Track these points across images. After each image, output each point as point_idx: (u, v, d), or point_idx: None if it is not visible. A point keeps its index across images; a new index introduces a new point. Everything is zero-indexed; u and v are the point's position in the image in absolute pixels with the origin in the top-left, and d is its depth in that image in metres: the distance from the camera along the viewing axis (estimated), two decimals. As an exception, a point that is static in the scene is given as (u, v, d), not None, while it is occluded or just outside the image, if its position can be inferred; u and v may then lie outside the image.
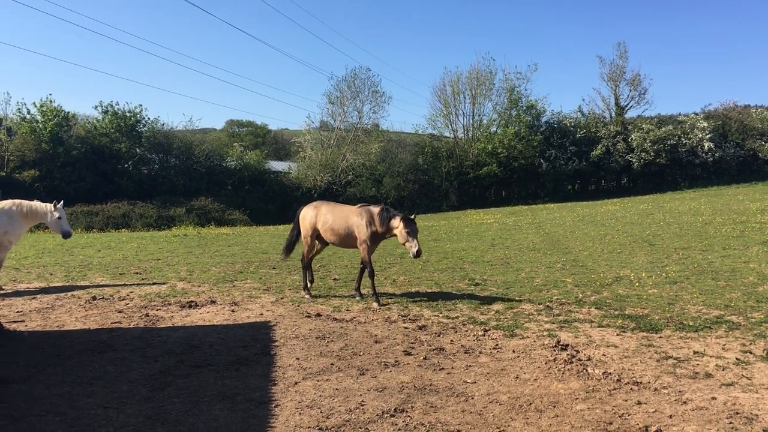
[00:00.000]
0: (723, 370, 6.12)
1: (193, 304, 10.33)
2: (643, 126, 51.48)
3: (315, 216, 10.87)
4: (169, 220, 35.51)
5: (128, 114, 42.91)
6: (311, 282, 11.20)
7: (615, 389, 5.68)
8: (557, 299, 10.03)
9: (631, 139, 50.54)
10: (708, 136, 49.62)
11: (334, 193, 48.02)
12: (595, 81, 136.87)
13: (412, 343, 7.64)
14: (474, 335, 7.93)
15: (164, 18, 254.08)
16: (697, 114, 53.96)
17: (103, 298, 10.99)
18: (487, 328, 8.28)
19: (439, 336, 7.97)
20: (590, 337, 7.65)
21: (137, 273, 14.22)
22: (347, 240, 10.61)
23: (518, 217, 30.26)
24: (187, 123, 50.16)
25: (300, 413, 5.32)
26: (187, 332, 8.43)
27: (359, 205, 10.81)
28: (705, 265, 12.62)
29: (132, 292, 11.63)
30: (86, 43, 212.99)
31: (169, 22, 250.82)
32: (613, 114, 56.12)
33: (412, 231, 9.92)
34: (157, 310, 9.94)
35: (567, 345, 7.25)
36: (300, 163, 51.83)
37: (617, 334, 7.70)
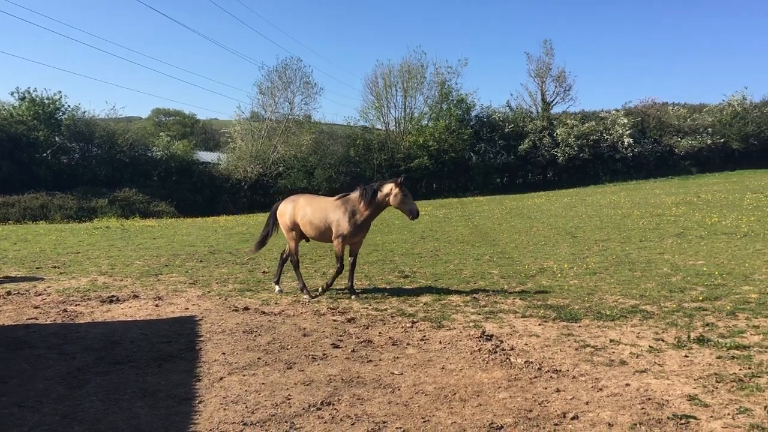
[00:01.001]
0: (637, 357, 6.40)
1: (114, 298, 10.03)
2: (568, 121, 53.06)
3: (293, 210, 10.41)
4: (91, 212, 34.27)
5: (47, 101, 41.10)
6: (303, 287, 10.40)
7: (536, 377, 5.86)
8: (484, 290, 10.24)
9: (557, 134, 52.02)
10: (628, 132, 51.57)
11: (264, 184, 47.45)
12: (523, 77, 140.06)
13: (341, 335, 7.65)
14: (402, 327, 8.00)
15: (87, 2, 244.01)
16: (618, 110, 55.95)
17: (18, 293, 10.53)
18: (415, 320, 8.37)
19: (367, 328, 8.01)
20: (514, 327, 7.85)
21: (55, 267, 13.70)
22: (327, 234, 10.20)
23: (448, 210, 30.69)
24: (110, 111, 48.45)
25: (225, 409, 5.25)
26: (107, 328, 8.17)
27: (338, 196, 10.40)
28: (623, 257, 13.14)
29: (50, 286, 11.19)
30: (1, 27, 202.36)
31: (92, 7, 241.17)
32: (540, 109, 57.66)
33: (408, 193, 9.93)
34: (76, 305, 9.60)
35: (492, 335, 7.42)
36: (230, 154, 50.89)
37: (539, 324, 7.93)
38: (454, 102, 53.00)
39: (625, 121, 52.47)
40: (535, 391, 5.50)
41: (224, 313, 8.96)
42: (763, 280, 9.93)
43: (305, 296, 10.14)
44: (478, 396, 5.42)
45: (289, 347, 7.15)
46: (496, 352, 6.69)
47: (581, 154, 51.11)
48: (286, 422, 4.93)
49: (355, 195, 10.12)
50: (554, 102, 58.24)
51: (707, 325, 7.51)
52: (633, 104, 58.43)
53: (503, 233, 19.02)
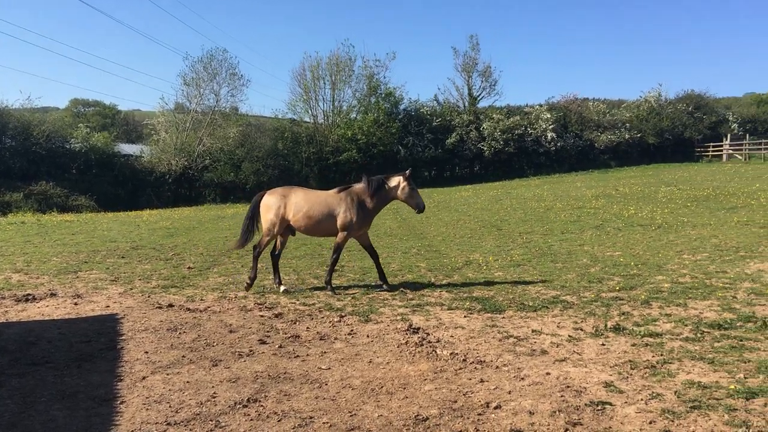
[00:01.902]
0: (557, 346, 6.62)
1: (30, 297, 9.61)
2: (494, 116, 54.08)
3: (284, 205, 9.96)
4: (4, 207, 32.59)
5: (-47, 89, 38.83)
6: (252, 279, 10.12)
7: (461, 369, 5.98)
8: (411, 283, 10.36)
9: (483, 128, 52.96)
10: (551, 127, 53.04)
11: (190, 178, 46.36)
12: (450, 71, 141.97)
13: (268, 331, 7.59)
14: (330, 321, 8.01)
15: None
16: (541, 106, 57.42)
17: None
18: (343, 314, 8.39)
19: (295, 323, 7.98)
20: (440, 319, 7.98)
21: (-35, 265, 12.99)
22: (327, 227, 9.97)
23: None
24: (24, 101, 46.17)
25: (147, 409, 5.13)
26: (22, 328, 7.83)
27: (338, 188, 10.19)
28: (545, 249, 13.55)
29: (-42, 286, 10.61)
30: None
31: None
32: (467, 104, 58.49)
33: (415, 187, 9.98)
34: (-12, 305, 9.14)
35: (418, 328, 7.52)
36: (153, 146, 49.34)
37: (465, 316, 8.09)
38: (383, 95, 53.14)
39: (548, 116, 53.94)
40: (460, 382, 5.62)
41: (147, 311, 8.73)
42: (675, 270, 10.44)
43: (247, 292, 9.95)
44: (404, 388, 5.49)
45: (214, 344, 7.04)
46: (422, 345, 6.78)
47: (507, 148, 52.23)
48: (211, 421, 4.86)
49: (359, 186, 10.07)
50: (480, 96, 59.27)
51: (623, 314, 7.84)
52: (555, 99, 60.21)
53: (431, 226, 19.27)
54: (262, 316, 8.41)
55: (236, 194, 45.72)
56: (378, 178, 10.07)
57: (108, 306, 9.13)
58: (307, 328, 7.74)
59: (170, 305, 9.06)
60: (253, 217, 10.39)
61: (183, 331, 7.63)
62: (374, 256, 10.26)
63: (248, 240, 10.47)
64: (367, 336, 7.30)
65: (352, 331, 7.55)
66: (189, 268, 12.54)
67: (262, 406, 5.15)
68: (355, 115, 53.60)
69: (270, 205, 10.10)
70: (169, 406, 5.18)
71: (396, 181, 10.00)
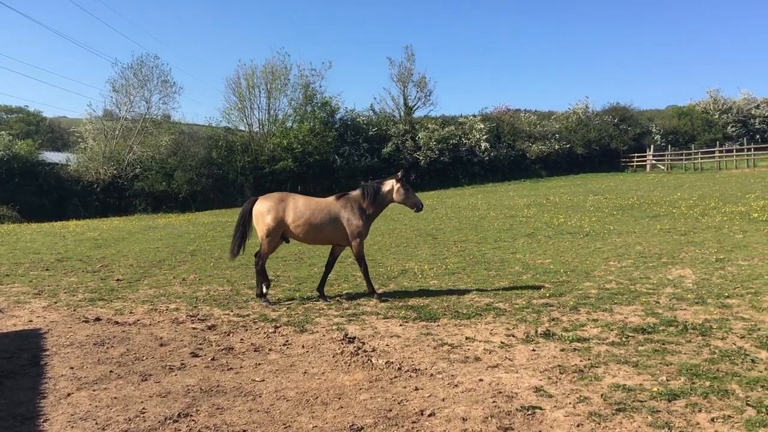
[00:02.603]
0: (489, 353, 6.74)
1: (-55, 313, 9.13)
2: (429, 126, 54.73)
3: (283, 210, 9.66)
4: None
5: None
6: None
7: (396, 377, 6.02)
8: (347, 293, 10.35)
9: (419, 137, 53.53)
10: (484, 137, 54.11)
11: (119, 187, 45.03)
12: (386, 81, 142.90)
13: (201, 344, 7.44)
14: (265, 333, 7.92)
15: None
16: (475, 116, 58.57)
17: None
18: (278, 324, 8.31)
19: (228, 335, 7.85)
20: (376, 328, 8.01)
21: None
22: (328, 235, 9.86)
23: (313, 213, 30.63)
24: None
25: (72, 426, 4.95)
26: (-63, 346, 7.42)
27: (336, 195, 10.08)
28: (479, 257, 13.78)
29: None
30: None
31: None
32: (402, 113, 59.00)
33: (409, 188, 10.01)
34: None
35: (354, 338, 7.53)
36: (80, 154, 47.71)
37: (400, 325, 8.14)
38: (319, 104, 52.99)
39: (482, 126, 55.03)
40: (395, 390, 5.65)
41: (73, 325, 8.42)
42: (601, 276, 10.80)
43: (264, 303, 9.60)
44: (339, 398, 5.48)
45: (144, 358, 6.85)
46: (358, 354, 6.79)
47: (442, 158, 52.93)
48: (140, 437, 4.73)
49: (356, 193, 10.04)
50: (416, 106, 59.84)
51: (553, 320, 8.05)
52: (489, 110, 61.47)
53: (367, 235, 19.28)
54: (194, 328, 8.24)
55: (168, 204, 44.67)
56: (373, 185, 10.11)
57: (31, 320, 8.77)
58: (242, 339, 7.63)
59: (97, 319, 8.77)
60: (244, 225, 10.07)
61: (111, 345, 7.40)
62: (330, 267, 10.25)
63: (240, 249, 10.15)
64: (303, 346, 7.25)
65: (287, 341, 7.48)
66: (118, 280, 12.16)
67: (193, 420, 5.04)
68: (291, 124, 53.21)
69: (265, 211, 9.78)
70: (96, 423, 5.01)
71: (389, 184, 10.11)
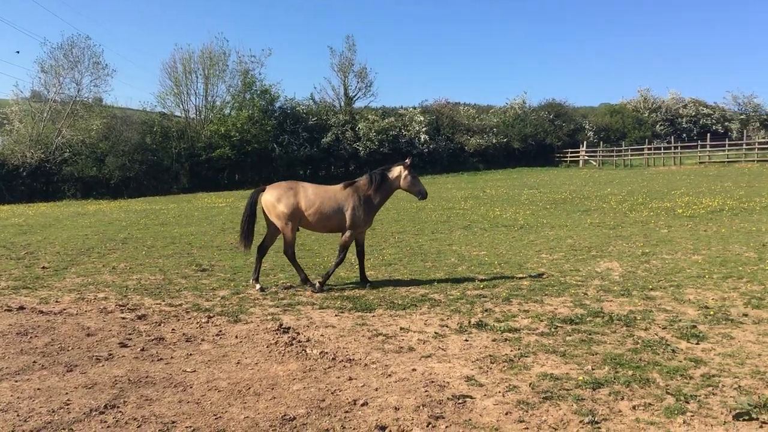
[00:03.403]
0: (423, 343, 6.82)
1: None
2: (369, 117, 54.77)
3: (294, 198, 9.49)
4: None
5: None
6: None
7: (330, 367, 6.01)
8: (282, 283, 10.28)
9: (359, 128, 53.48)
10: (424, 129, 54.55)
11: (47, 172, 43.34)
12: (326, 71, 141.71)
13: (130, 334, 7.26)
14: (197, 323, 7.78)
15: None
16: (415, 108, 58.96)
17: None
18: (211, 314, 8.18)
19: (159, 325, 7.68)
20: (311, 318, 7.98)
21: None
22: (335, 223, 9.72)
23: (250, 201, 30.23)
24: None
25: (-9, 420, 4.75)
26: None
27: (344, 184, 9.92)
28: (416, 248, 13.91)
29: None
30: None
31: None
32: (343, 104, 58.85)
33: (416, 175, 9.97)
34: None
35: (289, 328, 7.48)
36: (5, 137, 45.75)
37: (336, 315, 8.14)
38: (258, 92, 52.20)
39: (422, 118, 55.44)
40: (328, 380, 5.65)
41: (-6, 315, 8.07)
42: (534, 269, 11.06)
43: (311, 288, 9.59)
44: (272, 389, 5.45)
45: (70, 348, 6.64)
46: (292, 345, 6.75)
47: (381, 149, 53.04)
48: (63, 429, 4.58)
49: (363, 181, 9.90)
50: (356, 97, 59.79)
51: (486, 310, 8.20)
52: (429, 103, 61.89)
53: (305, 225, 19.18)
54: (123, 318, 8.03)
55: (99, 190, 43.31)
56: (380, 172, 10.05)
57: (-53, 310, 8.36)
58: (173, 329, 7.48)
59: (21, 307, 8.44)
60: (252, 215, 9.91)
61: (35, 335, 7.13)
62: (361, 255, 10.17)
63: (251, 240, 9.93)
64: (236, 337, 7.17)
65: (220, 332, 7.38)
66: (44, 267, 11.73)
67: (120, 412, 4.92)
68: (229, 111, 52.28)
69: (275, 199, 9.63)
70: (17, 415, 4.83)
71: (397, 171, 10.06)
